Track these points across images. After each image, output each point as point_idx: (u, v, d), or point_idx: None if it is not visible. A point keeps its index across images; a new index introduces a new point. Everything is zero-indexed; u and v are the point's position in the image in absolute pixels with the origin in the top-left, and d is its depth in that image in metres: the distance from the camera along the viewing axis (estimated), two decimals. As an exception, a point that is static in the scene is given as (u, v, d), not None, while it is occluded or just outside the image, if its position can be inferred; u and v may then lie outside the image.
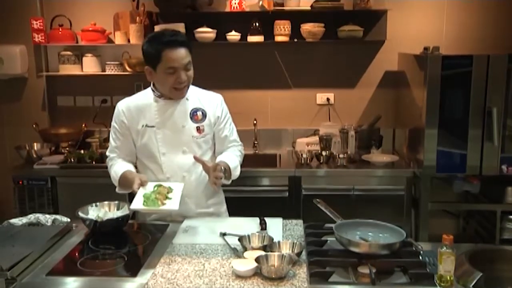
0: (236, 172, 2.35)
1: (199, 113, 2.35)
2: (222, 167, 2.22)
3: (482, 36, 3.76)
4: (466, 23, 3.78)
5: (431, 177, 3.21)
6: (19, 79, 4.00)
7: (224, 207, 2.56)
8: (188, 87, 2.30)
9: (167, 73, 2.20)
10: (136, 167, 2.43)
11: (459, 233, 3.83)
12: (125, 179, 2.27)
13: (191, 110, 2.34)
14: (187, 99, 2.34)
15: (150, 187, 2.14)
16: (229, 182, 2.36)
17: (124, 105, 2.36)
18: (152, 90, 2.35)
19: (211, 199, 2.45)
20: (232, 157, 2.38)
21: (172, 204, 2.06)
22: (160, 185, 2.15)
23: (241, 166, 2.45)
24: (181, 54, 2.18)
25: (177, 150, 2.32)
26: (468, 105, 3.05)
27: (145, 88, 3.99)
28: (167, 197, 2.09)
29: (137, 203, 2.05)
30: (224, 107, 2.44)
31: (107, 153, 2.44)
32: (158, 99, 2.32)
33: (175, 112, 2.31)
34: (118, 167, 2.34)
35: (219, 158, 2.36)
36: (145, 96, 2.36)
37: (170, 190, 2.14)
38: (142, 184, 2.14)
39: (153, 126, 2.31)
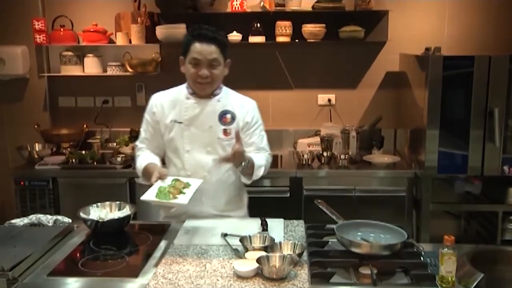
0: (258, 172, 2.30)
1: (228, 116, 2.34)
2: (247, 161, 2.19)
3: (483, 36, 3.76)
4: (468, 24, 3.78)
5: (432, 178, 3.20)
6: (20, 80, 4.01)
7: (244, 212, 2.51)
8: (212, 85, 2.28)
9: (191, 63, 2.24)
10: (164, 160, 2.44)
11: (461, 234, 3.83)
12: (147, 171, 2.26)
13: (221, 112, 2.33)
14: (218, 100, 2.34)
15: (168, 181, 2.13)
16: (249, 181, 2.34)
17: (157, 98, 2.39)
18: (186, 88, 2.36)
19: (230, 204, 2.42)
20: (259, 158, 2.33)
21: (182, 199, 2.03)
22: (177, 180, 2.14)
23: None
24: (208, 49, 2.20)
25: (201, 149, 2.32)
26: (470, 105, 3.05)
27: (146, 89, 4.05)
28: (181, 192, 2.07)
29: (149, 195, 2.05)
30: (255, 113, 2.41)
31: (137, 143, 2.47)
32: (190, 96, 2.33)
33: (204, 111, 2.31)
34: (143, 158, 2.36)
35: (248, 155, 2.31)
36: (179, 92, 2.38)
37: (187, 185, 2.13)
38: (161, 177, 2.12)
39: (181, 123, 2.32)
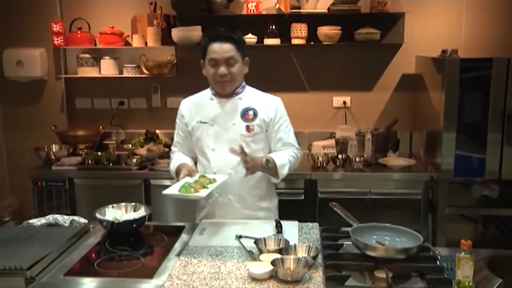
0: (283, 171, 2.33)
1: (250, 113, 2.39)
2: (265, 159, 2.25)
3: (502, 38, 3.71)
4: (485, 25, 3.73)
5: (448, 181, 3.17)
6: (38, 82, 4.06)
7: (275, 214, 2.54)
8: (232, 83, 2.35)
9: (210, 64, 2.32)
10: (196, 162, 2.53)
11: (478, 238, 3.78)
12: (178, 170, 2.36)
13: (243, 109, 2.39)
14: (240, 98, 2.40)
15: (195, 177, 2.22)
16: (277, 180, 2.39)
17: (185, 102, 2.51)
18: (210, 89, 2.46)
19: (260, 201, 2.46)
20: (282, 155, 2.37)
21: (202, 193, 2.09)
22: (203, 176, 2.23)
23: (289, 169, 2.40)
24: (223, 47, 2.28)
25: (226, 147, 2.32)
26: (487, 108, 3.01)
27: (161, 91, 4.08)
28: (204, 187, 2.13)
29: (172, 189, 2.14)
30: (279, 109, 2.43)
31: (171, 147, 2.60)
32: (213, 97, 2.42)
33: (226, 109, 2.39)
34: (175, 159, 2.47)
35: (268, 155, 2.36)
36: (204, 94, 2.47)
37: (213, 181, 2.20)
38: (190, 174, 2.23)
39: (205, 122, 2.40)
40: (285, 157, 2.36)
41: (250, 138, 2.37)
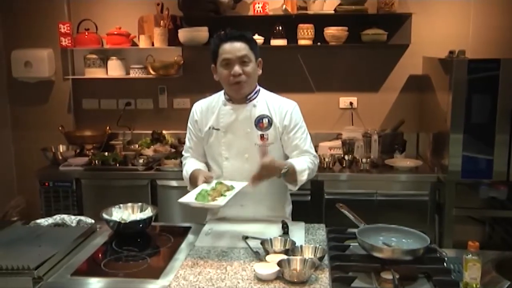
0: (302, 177, 2.19)
1: (265, 121, 2.27)
2: (286, 167, 2.13)
3: (509, 39, 3.69)
4: (493, 26, 3.71)
5: (455, 182, 3.15)
6: (46, 82, 4.09)
7: (288, 220, 2.39)
8: (248, 84, 2.23)
9: (222, 65, 2.20)
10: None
11: (485, 240, 3.75)
12: (193, 177, 2.25)
13: (257, 117, 2.27)
14: (254, 105, 2.29)
15: (212, 184, 2.12)
16: (295, 188, 2.27)
17: (198, 106, 2.40)
18: (224, 94, 2.34)
19: (271, 211, 2.36)
20: (301, 161, 2.23)
21: (220, 201, 2.00)
22: (220, 183, 2.12)
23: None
24: (236, 46, 2.17)
25: (239, 156, 2.28)
26: (495, 109, 3.00)
27: (168, 91, 4.08)
28: (222, 195, 2.04)
29: (188, 197, 2.04)
30: (294, 115, 2.30)
31: (183, 153, 2.49)
32: (227, 102, 2.30)
33: (240, 117, 2.27)
34: (189, 166, 2.36)
35: (288, 161, 2.24)
36: (217, 99, 2.36)
37: (230, 188, 2.10)
38: (207, 180, 2.12)
39: (218, 129, 2.30)
40: (304, 163, 2.23)
41: (264, 147, 2.24)
